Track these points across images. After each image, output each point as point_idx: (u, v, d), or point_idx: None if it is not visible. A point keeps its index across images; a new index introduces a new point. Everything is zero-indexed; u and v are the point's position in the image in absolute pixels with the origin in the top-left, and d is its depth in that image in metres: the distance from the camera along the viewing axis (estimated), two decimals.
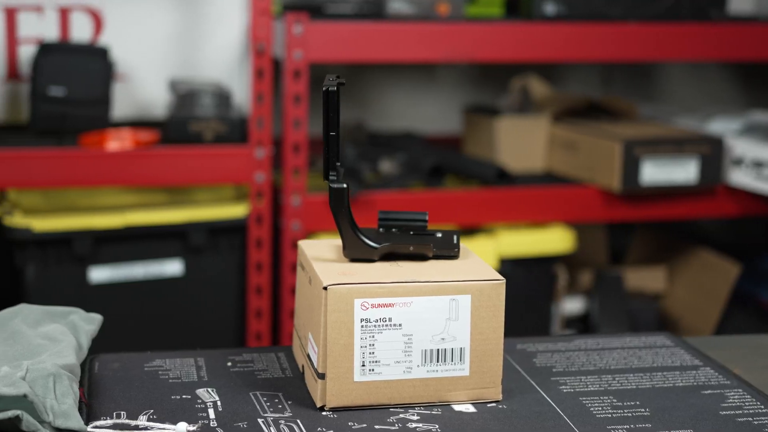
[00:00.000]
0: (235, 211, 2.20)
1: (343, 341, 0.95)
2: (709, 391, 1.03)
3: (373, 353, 0.96)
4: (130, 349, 1.22)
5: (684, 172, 2.29)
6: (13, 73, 2.37)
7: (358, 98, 2.81)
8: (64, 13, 2.37)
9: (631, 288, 2.58)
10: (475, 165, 2.36)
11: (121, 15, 2.40)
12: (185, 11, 2.43)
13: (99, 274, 2.15)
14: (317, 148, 2.55)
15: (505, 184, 2.31)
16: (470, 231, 2.33)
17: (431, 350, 0.97)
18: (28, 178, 2.09)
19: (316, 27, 2.11)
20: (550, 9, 2.30)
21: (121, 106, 2.41)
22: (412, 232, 1.06)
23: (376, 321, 0.95)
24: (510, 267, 2.26)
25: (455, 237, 1.06)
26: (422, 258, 1.02)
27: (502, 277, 0.98)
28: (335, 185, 0.99)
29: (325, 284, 0.95)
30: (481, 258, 1.04)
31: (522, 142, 2.47)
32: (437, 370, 0.97)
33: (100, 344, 2.12)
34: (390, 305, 0.95)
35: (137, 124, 2.37)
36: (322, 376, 0.96)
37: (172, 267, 2.19)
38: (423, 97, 2.84)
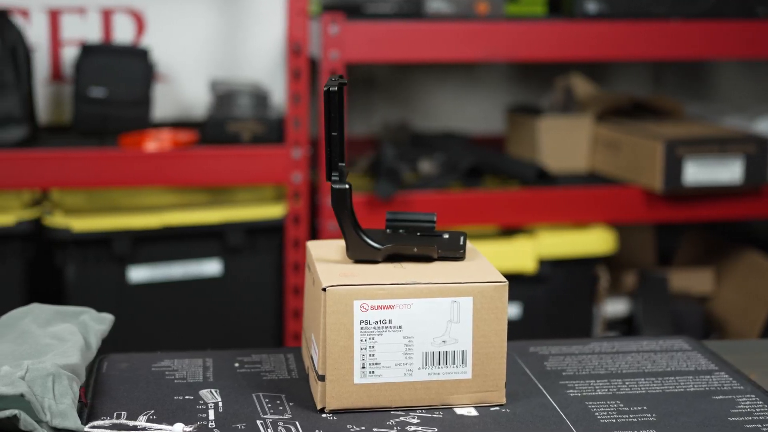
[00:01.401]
0: (273, 211, 2.20)
1: (342, 343, 0.95)
2: (720, 397, 1.00)
3: (373, 355, 0.95)
4: (168, 348, 1.22)
5: (728, 172, 2.25)
6: (56, 74, 2.40)
7: (403, 99, 2.80)
8: (106, 15, 2.39)
9: (678, 290, 2.54)
10: (514, 165, 2.34)
11: (163, 16, 2.41)
12: (227, 12, 2.44)
13: (138, 273, 2.16)
14: (350, 148, 2.55)
15: (545, 185, 2.28)
16: (510, 231, 2.31)
17: (432, 353, 0.96)
18: (68, 178, 2.11)
19: (353, 27, 2.11)
20: (592, 7, 2.27)
21: (163, 106, 2.43)
22: (419, 233, 1.05)
23: (376, 323, 0.95)
24: (550, 268, 2.23)
25: (462, 238, 1.04)
26: (427, 259, 1.01)
27: (504, 279, 0.97)
28: (337, 186, 0.99)
29: (324, 285, 0.94)
30: (487, 259, 1.03)
31: (564, 142, 2.44)
32: (439, 373, 0.96)
33: (136, 342, 2.15)
34: (390, 307, 0.95)
35: (178, 124, 2.39)
36: (322, 378, 0.96)
37: (211, 267, 2.20)
38: (468, 97, 2.82)
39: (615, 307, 2.43)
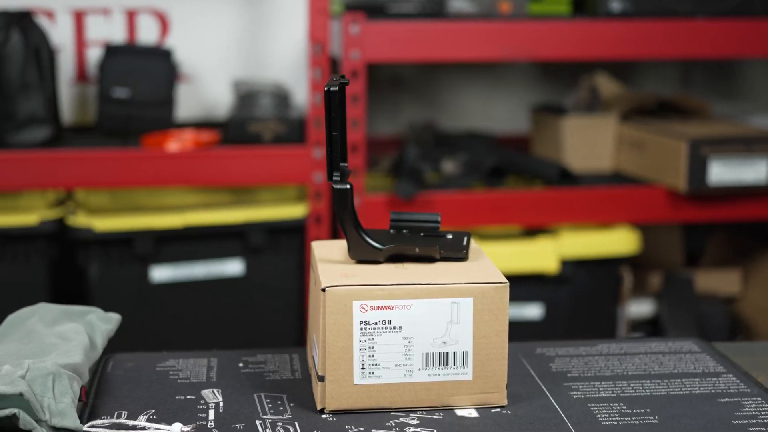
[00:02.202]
0: (294, 211, 2.20)
1: (342, 343, 0.94)
2: (725, 399, 0.99)
3: (372, 356, 0.95)
4: (191, 348, 1.22)
5: (754, 172, 2.23)
6: (81, 75, 2.41)
7: (429, 98, 2.79)
8: (130, 16, 2.40)
9: (704, 291, 2.51)
10: (537, 165, 2.33)
11: (188, 17, 2.42)
12: (251, 12, 2.45)
13: (160, 273, 2.17)
14: (376, 148, 2.55)
15: (568, 185, 2.27)
16: (533, 232, 2.29)
17: (432, 353, 0.95)
18: (91, 178, 2.13)
19: (374, 27, 2.10)
20: (616, 6, 2.25)
21: (187, 107, 2.44)
22: (422, 234, 1.04)
23: (376, 323, 0.94)
24: (572, 268, 2.22)
25: (465, 239, 1.04)
26: (429, 260, 1.00)
27: (505, 280, 0.96)
28: (338, 186, 0.98)
29: (323, 285, 0.94)
30: (490, 260, 1.02)
31: (589, 142, 2.43)
32: (439, 374, 0.96)
33: (157, 341, 2.16)
34: (389, 308, 0.94)
35: (202, 124, 2.39)
36: (321, 379, 0.95)
37: (233, 267, 2.21)
38: (494, 96, 2.81)
39: (640, 308, 2.41)
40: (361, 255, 1.00)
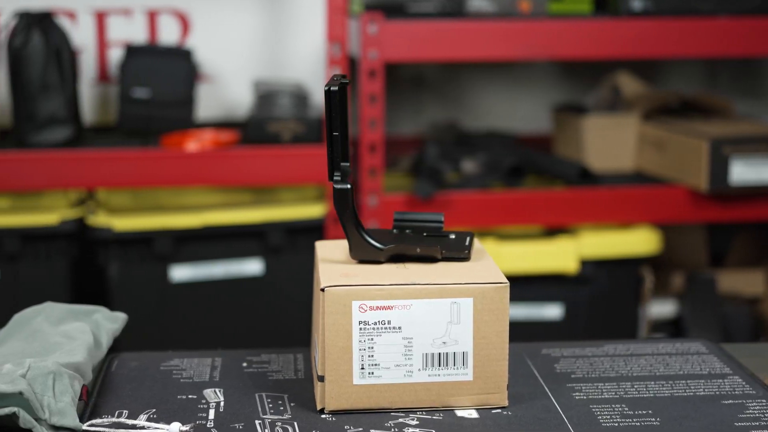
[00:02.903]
0: (313, 210, 2.20)
1: (341, 344, 0.94)
2: (729, 401, 0.98)
3: (372, 356, 0.94)
4: (210, 347, 1.22)
5: None
6: (103, 75, 2.43)
7: (452, 98, 2.79)
8: (152, 16, 2.41)
9: (728, 291, 2.49)
10: (557, 164, 2.32)
11: (208, 17, 2.43)
12: (271, 13, 2.45)
13: (180, 273, 2.18)
14: (398, 147, 2.54)
15: (588, 184, 2.26)
16: (553, 232, 2.28)
17: (432, 354, 0.95)
18: (110, 177, 2.14)
19: (391, 26, 2.10)
20: (637, 5, 2.24)
21: (208, 107, 2.45)
22: (425, 234, 1.04)
23: (375, 323, 0.94)
24: (592, 268, 2.21)
25: (468, 239, 1.03)
26: (431, 260, 1.00)
27: (506, 280, 0.95)
28: (338, 186, 0.98)
29: (322, 285, 0.94)
30: (493, 260, 1.01)
31: (610, 141, 2.41)
32: (439, 375, 0.95)
33: (178, 341, 2.16)
34: (389, 308, 0.94)
35: (223, 124, 2.40)
36: (321, 379, 0.95)
37: (252, 266, 2.21)
38: (517, 96, 2.80)
39: (662, 309, 2.40)
40: (362, 255, 1.00)
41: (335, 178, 0.99)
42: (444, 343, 0.95)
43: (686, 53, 2.25)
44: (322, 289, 0.94)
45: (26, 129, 2.16)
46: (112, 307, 2.16)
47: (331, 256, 1.02)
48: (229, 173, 2.15)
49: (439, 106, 2.77)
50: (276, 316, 2.24)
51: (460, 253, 1.01)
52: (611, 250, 2.22)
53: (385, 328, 0.94)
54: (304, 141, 2.19)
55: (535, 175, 2.38)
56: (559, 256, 2.18)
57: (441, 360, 0.95)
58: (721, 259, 2.73)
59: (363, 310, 0.94)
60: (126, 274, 2.16)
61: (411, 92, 2.76)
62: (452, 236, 1.04)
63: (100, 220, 2.13)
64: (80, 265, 2.20)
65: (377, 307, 0.94)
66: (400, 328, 0.94)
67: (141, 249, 2.15)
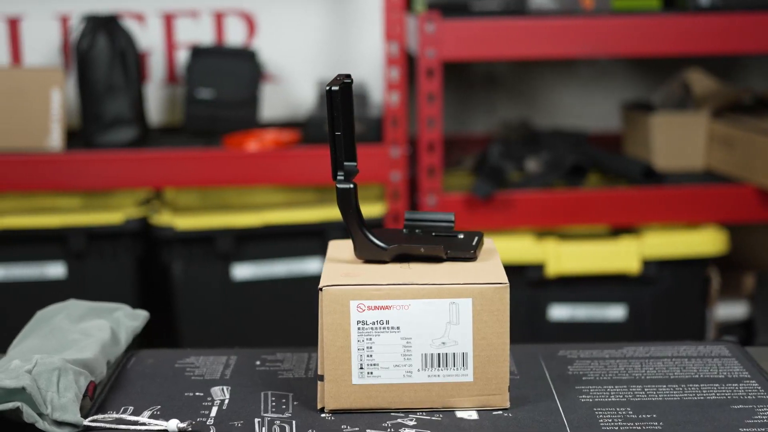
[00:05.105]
0: (373, 210, 2.21)
1: (340, 343, 0.94)
2: (739, 406, 0.95)
3: (371, 356, 0.94)
4: (272, 345, 1.23)
5: None
6: (171, 76, 2.47)
7: (525, 96, 2.76)
8: (218, 18, 2.44)
9: None
10: (620, 163, 2.28)
11: (274, 18, 2.45)
12: (336, 13, 2.46)
13: (242, 271, 2.20)
14: (470, 146, 2.53)
15: (653, 183, 2.22)
16: (618, 231, 2.25)
17: (431, 354, 0.94)
18: (173, 177, 2.17)
19: (449, 25, 2.09)
20: (704, 0, 2.19)
21: (273, 106, 2.47)
22: (434, 233, 1.04)
23: (373, 323, 0.94)
24: (655, 269, 2.17)
25: (476, 239, 1.02)
26: (437, 260, 0.99)
27: (506, 281, 0.94)
28: (341, 185, 0.98)
29: (320, 285, 0.94)
30: (500, 260, 1.00)
31: (679, 140, 2.37)
32: (439, 375, 0.95)
33: (240, 338, 2.18)
34: (387, 308, 0.94)
35: (287, 124, 2.42)
36: (321, 378, 0.95)
37: (313, 265, 2.22)
38: (591, 93, 2.76)
39: (731, 311, 2.34)
40: (366, 255, 1.00)
41: (338, 177, 0.99)
42: (443, 343, 0.94)
43: (756, 49, 2.20)
44: (320, 289, 0.94)
45: (93, 129, 2.21)
46: (177, 306, 2.21)
47: (339, 256, 1.02)
48: (290, 173, 2.17)
49: (512, 104, 2.75)
50: None
51: (465, 253, 1.00)
52: (676, 250, 2.18)
53: (384, 328, 0.94)
54: (364, 140, 2.20)
55: (599, 174, 2.34)
56: (620, 256, 2.15)
57: (440, 361, 0.94)
58: None
59: (361, 310, 0.94)
60: (189, 272, 2.19)
61: (484, 91, 2.75)
62: (461, 236, 1.03)
63: (163, 219, 2.17)
64: (145, 264, 2.23)
65: (375, 307, 0.94)
66: (398, 328, 0.94)
67: (203, 248, 2.18)
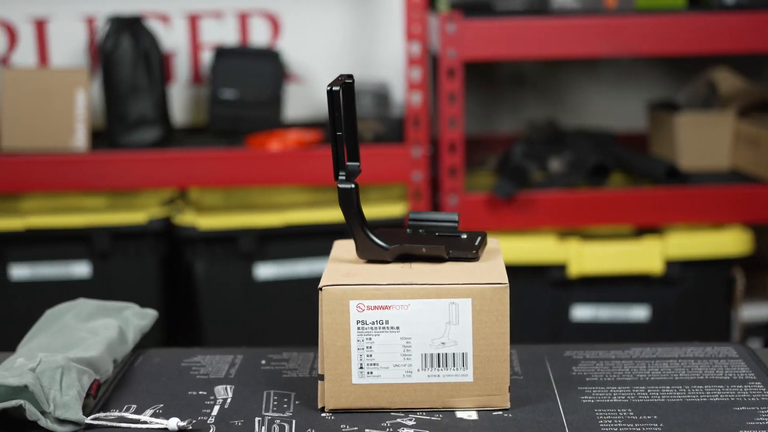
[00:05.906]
0: (394, 210, 2.21)
1: (339, 343, 0.95)
2: (742, 408, 0.95)
3: (371, 356, 0.94)
4: (295, 344, 1.23)
5: None
6: (196, 77, 2.48)
7: (553, 96, 2.75)
8: (243, 18, 2.45)
9: None
10: (644, 163, 2.27)
11: (298, 18, 2.46)
12: (360, 13, 2.47)
13: (264, 271, 2.21)
14: (497, 145, 2.53)
15: (676, 183, 2.21)
16: (642, 231, 2.24)
17: (431, 354, 0.94)
18: (195, 177, 2.18)
19: (470, 25, 2.09)
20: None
21: (298, 107, 2.48)
22: (437, 233, 1.04)
23: (373, 323, 0.94)
24: (679, 269, 2.15)
25: (479, 239, 1.02)
26: (439, 260, 0.99)
27: (505, 281, 0.94)
28: (342, 185, 0.99)
29: (320, 284, 0.94)
30: (503, 261, 1.00)
31: (704, 139, 2.35)
32: (439, 375, 0.95)
33: (263, 338, 2.19)
34: (386, 307, 0.94)
35: (311, 124, 2.42)
36: (321, 378, 0.96)
37: None
38: (618, 93, 2.75)
39: (757, 312, 2.32)
40: (368, 255, 1.00)
41: (340, 177, 0.99)
42: (443, 343, 0.94)
43: None
44: (320, 288, 0.94)
45: (117, 130, 2.22)
46: (200, 305, 2.22)
47: (342, 256, 1.03)
48: (313, 173, 2.18)
49: (538, 104, 2.74)
50: None
51: (467, 253, 1.00)
52: (699, 250, 2.16)
53: (383, 328, 0.94)
54: (386, 140, 2.20)
55: (623, 174, 2.33)
56: (644, 256, 2.13)
57: (440, 361, 0.94)
58: None
59: (361, 310, 0.94)
60: (212, 271, 2.20)
61: (511, 91, 2.74)
62: (464, 236, 1.03)
63: (186, 218, 2.18)
64: (169, 263, 2.25)
65: (375, 307, 0.94)
66: (398, 328, 0.94)
67: (226, 247, 2.19)
